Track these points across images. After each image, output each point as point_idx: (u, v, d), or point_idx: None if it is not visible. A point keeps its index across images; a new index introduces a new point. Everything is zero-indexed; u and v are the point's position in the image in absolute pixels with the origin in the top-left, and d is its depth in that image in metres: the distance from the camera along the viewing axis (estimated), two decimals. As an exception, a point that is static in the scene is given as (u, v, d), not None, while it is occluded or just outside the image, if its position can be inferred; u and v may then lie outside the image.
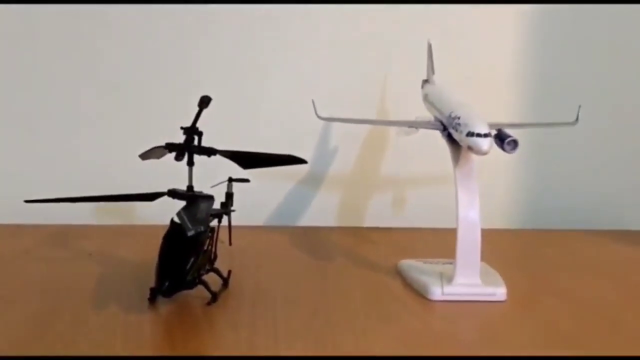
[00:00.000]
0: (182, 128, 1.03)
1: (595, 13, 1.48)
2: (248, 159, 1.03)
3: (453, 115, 1.08)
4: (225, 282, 1.09)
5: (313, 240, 1.34)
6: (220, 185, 1.09)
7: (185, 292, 1.02)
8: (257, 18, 1.43)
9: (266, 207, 1.47)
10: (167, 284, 0.97)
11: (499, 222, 1.49)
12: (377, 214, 1.49)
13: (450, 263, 1.15)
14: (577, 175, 1.52)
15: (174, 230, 1.01)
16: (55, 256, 1.24)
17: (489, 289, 1.08)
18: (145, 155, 1.08)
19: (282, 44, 1.44)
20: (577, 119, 1.17)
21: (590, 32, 1.49)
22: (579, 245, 1.37)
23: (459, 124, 1.05)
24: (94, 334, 0.94)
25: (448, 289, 1.07)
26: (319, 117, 1.17)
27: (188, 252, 1.00)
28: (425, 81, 1.27)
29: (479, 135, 1.02)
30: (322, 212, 1.48)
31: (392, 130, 1.45)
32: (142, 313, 1.00)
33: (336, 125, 1.45)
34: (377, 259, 1.24)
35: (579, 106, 1.17)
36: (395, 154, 1.48)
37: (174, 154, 1.04)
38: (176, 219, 1.01)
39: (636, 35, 1.50)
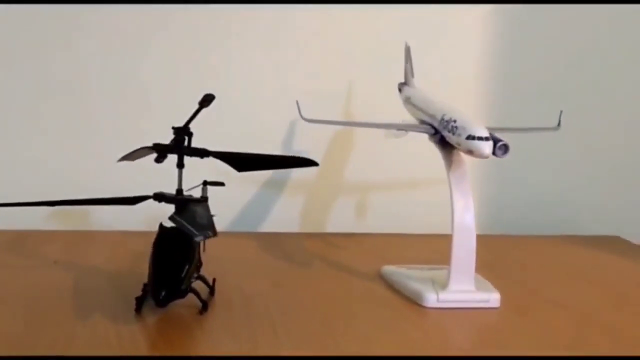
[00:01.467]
0: (173, 128, 0.97)
1: (565, 13, 1.48)
2: (244, 161, 0.99)
3: (447, 118, 1.06)
4: (212, 289, 1.04)
5: (284, 247, 1.30)
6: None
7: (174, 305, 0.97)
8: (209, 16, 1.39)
9: (227, 212, 1.42)
10: (163, 293, 0.92)
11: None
12: (340, 219, 1.46)
13: (436, 269, 1.14)
14: (533, 180, 1.52)
15: (168, 237, 0.96)
16: (18, 264, 1.16)
17: (483, 295, 1.06)
18: (127, 157, 1.03)
19: (244, 44, 1.40)
20: (559, 124, 1.17)
21: (558, 33, 1.49)
22: (548, 250, 1.37)
23: (455, 127, 1.03)
24: (84, 347, 0.89)
25: (443, 295, 1.05)
26: (303, 118, 1.13)
27: (183, 260, 0.95)
28: (403, 84, 1.25)
29: (480, 138, 1.00)
30: (284, 218, 1.44)
31: (355, 134, 1.44)
32: (132, 323, 0.95)
33: (298, 128, 1.42)
34: (356, 265, 1.21)
35: (561, 111, 1.17)
36: (358, 159, 1.45)
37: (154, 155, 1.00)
38: (167, 224, 0.96)
39: (605, 37, 1.51)
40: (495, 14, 1.46)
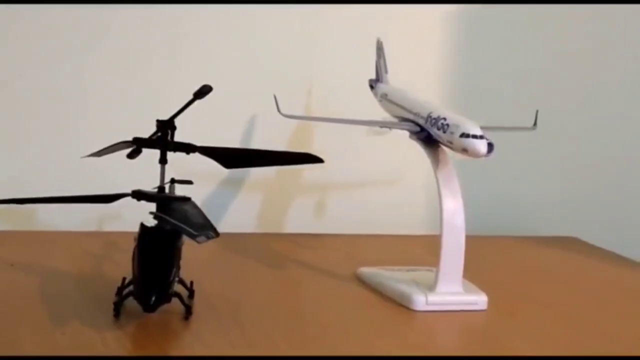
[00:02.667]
0: (158, 121, 0.91)
1: (524, 13, 1.47)
2: (236, 157, 0.93)
3: (435, 115, 1.03)
4: (192, 292, 0.99)
5: (247, 248, 1.24)
6: None
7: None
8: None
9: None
10: (154, 298, 0.86)
11: (421, 228, 1.46)
12: (298, 220, 1.41)
13: (415, 270, 1.11)
14: (495, 181, 1.51)
15: (151, 237, 0.90)
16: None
17: (472, 297, 1.03)
18: (102, 152, 0.96)
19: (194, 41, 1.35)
20: (535, 123, 1.15)
21: (517, 32, 1.49)
22: (513, 251, 1.36)
23: (447, 125, 1.00)
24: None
25: (432, 298, 1.01)
26: (281, 114, 1.08)
27: (171, 262, 0.89)
28: (376, 80, 1.21)
29: (474, 136, 0.97)
30: (241, 217, 1.39)
31: (315, 132, 1.39)
32: (115, 329, 0.88)
33: (255, 125, 1.37)
34: (328, 266, 1.17)
35: (537, 111, 1.15)
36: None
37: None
38: (148, 224, 0.90)
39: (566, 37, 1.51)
40: (460, 13, 1.45)
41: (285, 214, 1.42)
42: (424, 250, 1.34)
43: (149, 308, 0.86)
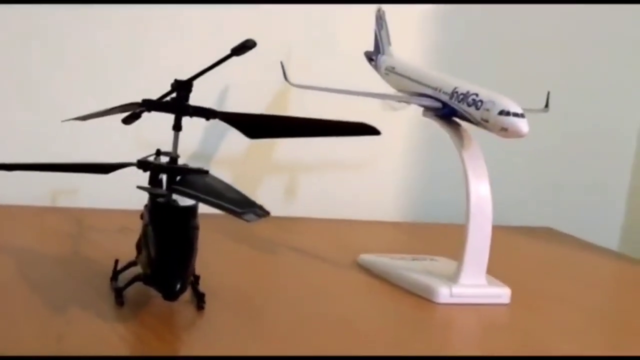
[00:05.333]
0: (176, 81, 0.79)
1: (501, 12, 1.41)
2: (263, 125, 0.82)
3: (463, 91, 0.94)
4: (197, 279, 0.87)
5: (225, 229, 1.12)
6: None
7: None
8: None
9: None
10: (179, 285, 0.74)
11: (393, 215, 1.37)
12: (267, 201, 1.30)
13: (422, 259, 1.04)
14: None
15: (164, 213, 0.78)
16: None
17: (496, 290, 0.95)
18: (97, 115, 0.83)
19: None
20: (546, 105, 1.08)
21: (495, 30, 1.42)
22: (502, 242, 1.29)
23: (480, 101, 0.92)
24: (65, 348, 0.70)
25: (457, 290, 0.93)
26: (289, 83, 0.97)
27: (192, 244, 0.77)
28: (376, 53, 1.11)
29: (515, 114, 0.89)
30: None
31: (289, 107, 1.29)
32: (128, 319, 0.76)
33: (229, 97, 1.25)
34: (320, 252, 1.07)
35: (548, 92, 1.08)
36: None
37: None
38: (179, 202, 0.78)
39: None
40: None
41: (253, 196, 1.30)
42: (409, 237, 1.27)
43: (173, 295, 0.74)
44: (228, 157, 1.28)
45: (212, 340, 0.75)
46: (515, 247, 1.27)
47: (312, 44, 1.29)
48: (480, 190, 0.94)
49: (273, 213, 1.24)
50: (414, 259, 1.03)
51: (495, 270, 0.97)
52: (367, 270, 1.01)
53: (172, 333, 0.76)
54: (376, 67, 1.10)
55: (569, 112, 1.46)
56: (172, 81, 0.79)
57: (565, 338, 0.88)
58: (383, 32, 1.12)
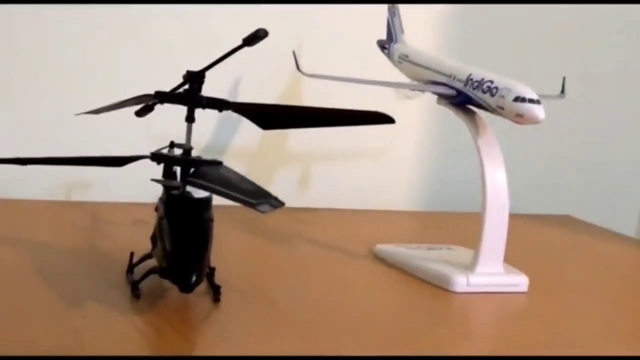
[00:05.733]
0: (188, 72, 0.79)
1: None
2: (277, 116, 0.81)
3: (477, 78, 0.93)
4: (212, 270, 0.86)
5: (239, 221, 1.11)
6: None
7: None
8: None
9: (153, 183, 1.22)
10: (194, 278, 0.73)
11: (410, 204, 1.37)
12: (281, 192, 1.29)
13: (438, 248, 1.03)
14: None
15: (179, 205, 0.77)
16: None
17: (513, 278, 0.94)
18: (110, 108, 0.83)
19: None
20: (562, 90, 1.07)
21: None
22: (520, 230, 1.27)
23: (495, 88, 0.91)
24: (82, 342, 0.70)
25: (473, 279, 0.92)
26: (301, 72, 0.97)
27: (207, 236, 0.77)
28: (389, 41, 1.10)
29: (531, 101, 0.88)
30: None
31: (303, 95, 1.27)
32: (144, 312, 0.76)
33: (239, 93, 1.24)
34: (336, 243, 1.06)
35: (564, 78, 1.07)
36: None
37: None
38: (193, 194, 0.78)
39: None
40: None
41: (268, 187, 1.30)
42: (425, 226, 1.26)
43: (189, 288, 0.73)
44: (242, 148, 1.28)
45: (229, 333, 0.75)
46: (534, 235, 1.26)
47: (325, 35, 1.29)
48: (496, 178, 0.93)
49: (288, 204, 1.26)
50: (430, 249, 1.02)
51: (514, 258, 0.97)
52: (383, 261, 1.01)
53: (188, 325, 0.76)
54: (389, 56, 1.09)
55: (588, 98, 1.45)
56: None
57: (584, 326, 0.87)
58: (396, 20, 1.11)
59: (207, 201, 0.78)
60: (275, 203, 0.71)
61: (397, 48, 1.08)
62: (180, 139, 0.82)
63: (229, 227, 1.07)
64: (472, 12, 1.36)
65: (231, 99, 1.20)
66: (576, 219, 1.38)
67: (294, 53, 0.97)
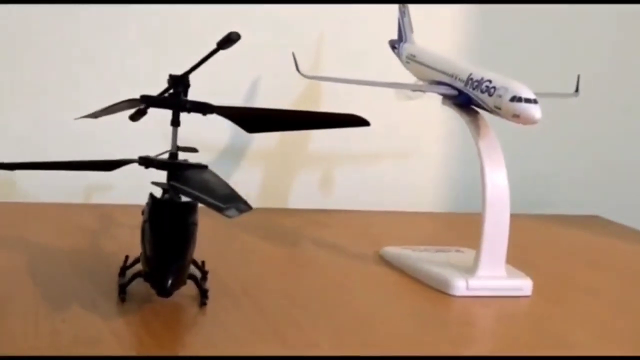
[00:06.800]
0: (171, 76, 0.79)
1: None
2: (260, 119, 0.81)
3: (477, 77, 0.91)
4: (205, 274, 0.87)
5: (252, 223, 1.11)
6: None
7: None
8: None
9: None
10: (170, 281, 0.74)
11: (434, 205, 1.35)
12: (302, 194, 1.30)
13: (446, 250, 1.01)
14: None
15: (163, 209, 0.78)
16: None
17: (516, 282, 0.92)
18: (104, 112, 0.84)
19: None
20: (577, 89, 1.05)
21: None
22: (536, 230, 1.25)
23: (493, 88, 0.89)
24: (58, 345, 0.70)
25: (473, 282, 0.90)
26: (301, 74, 0.96)
27: (187, 239, 0.77)
28: (399, 41, 1.09)
29: (527, 100, 0.86)
30: (241, 191, 1.26)
31: (322, 96, 1.27)
32: (125, 316, 0.76)
33: (259, 92, 1.24)
34: (346, 245, 1.05)
35: (578, 75, 1.05)
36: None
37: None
38: (157, 195, 0.78)
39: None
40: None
41: (288, 187, 1.30)
42: (443, 228, 1.24)
43: (165, 292, 0.74)
44: (263, 149, 1.28)
45: (210, 339, 0.75)
46: (557, 237, 1.23)
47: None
48: (496, 179, 0.91)
49: (309, 205, 1.26)
50: (438, 251, 1.01)
51: (529, 261, 0.96)
52: (388, 264, 1.00)
53: (167, 330, 0.75)
54: (399, 56, 1.08)
55: (618, 94, 1.41)
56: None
57: (583, 332, 0.85)
58: (406, 20, 1.09)
59: (189, 205, 0.78)
60: (243, 208, 0.71)
61: (405, 48, 1.07)
62: (188, 142, 0.83)
63: (238, 230, 1.07)
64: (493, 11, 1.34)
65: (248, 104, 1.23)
66: (605, 219, 1.34)
67: (293, 55, 0.96)
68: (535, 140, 1.38)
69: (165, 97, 0.80)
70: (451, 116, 1.30)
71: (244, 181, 1.25)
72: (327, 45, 1.25)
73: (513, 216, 1.29)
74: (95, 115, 0.86)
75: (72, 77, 1.19)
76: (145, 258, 0.76)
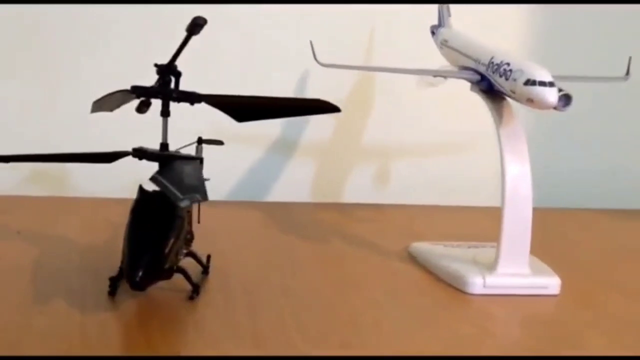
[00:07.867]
0: (156, 66, 0.77)
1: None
2: (246, 108, 0.78)
3: (497, 61, 0.85)
4: (205, 269, 0.85)
5: (293, 219, 1.09)
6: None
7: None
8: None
9: (224, 178, 1.21)
10: (140, 274, 0.72)
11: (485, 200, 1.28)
12: (358, 188, 1.26)
13: (479, 246, 0.95)
14: (578, 148, 1.31)
15: (148, 203, 0.76)
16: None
17: (540, 280, 0.86)
18: (97, 105, 0.83)
19: None
20: (627, 72, 0.97)
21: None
22: (602, 226, 1.16)
23: (509, 71, 0.83)
24: (41, 341, 0.69)
25: (491, 279, 0.85)
26: (318, 62, 0.93)
27: (167, 232, 0.75)
28: (437, 26, 1.04)
29: (542, 83, 0.79)
30: (294, 185, 1.23)
31: (378, 86, 1.23)
32: (102, 311, 0.75)
33: (310, 82, 1.21)
34: (380, 241, 1.01)
35: (630, 58, 0.96)
36: (380, 118, 1.24)
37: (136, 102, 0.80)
38: (149, 187, 0.76)
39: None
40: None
41: (342, 181, 1.26)
42: (494, 223, 1.17)
43: (136, 285, 0.72)
44: (317, 141, 1.24)
45: (189, 336, 0.73)
46: (609, 232, 1.14)
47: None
48: (517, 170, 0.85)
49: (360, 200, 1.22)
50: (469, 247, 0.95)
51: (567, 259, 0.90)
52: (413, 260, 0.94)
53: (152, 326, 0.74)
54: (435, 41, 1.03)
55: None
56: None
57: (605, 334, 0.78)
58: (444, 5, 1.04)
59: (162, 195, 0.75)
60: (196, 198, 0.69)
61: (441, 32, 1.02)
62: (208, 134, 0.84)
63: (261, 225, 1.05)
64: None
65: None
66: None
67: (311, 43, 0.93)
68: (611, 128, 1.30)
69: (152, 87, 0.78)
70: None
71: (294, 175, 1.24)
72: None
73: (574, 210, 1.22)
74: (93, 109, 0.85)
75: (72, 70, 1.17)
76: (122, 252, 0.75)
